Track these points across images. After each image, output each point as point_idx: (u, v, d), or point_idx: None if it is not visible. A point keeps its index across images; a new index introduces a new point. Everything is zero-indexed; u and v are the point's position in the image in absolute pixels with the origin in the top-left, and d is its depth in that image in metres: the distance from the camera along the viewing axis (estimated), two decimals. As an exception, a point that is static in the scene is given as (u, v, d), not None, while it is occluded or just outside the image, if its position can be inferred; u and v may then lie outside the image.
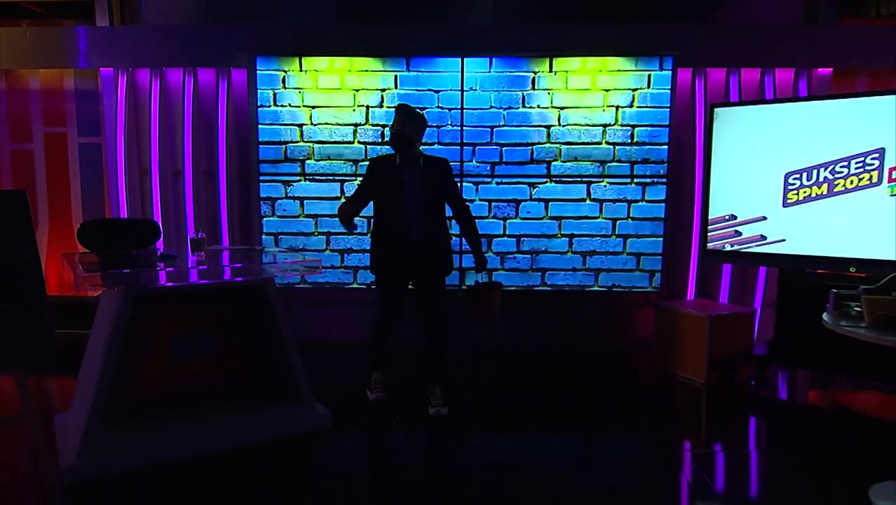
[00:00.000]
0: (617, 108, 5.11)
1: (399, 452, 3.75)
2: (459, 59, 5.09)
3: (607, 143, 5.15)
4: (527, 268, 5.29)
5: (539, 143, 5.17)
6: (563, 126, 5.15)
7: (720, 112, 4.66)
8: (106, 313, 3.19)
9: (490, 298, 3.98)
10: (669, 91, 5.05)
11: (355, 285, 5.27)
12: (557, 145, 5.17)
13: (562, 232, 5.26)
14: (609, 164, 5.16)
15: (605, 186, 5.19)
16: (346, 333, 5.45)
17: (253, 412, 3.47)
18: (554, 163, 5.19)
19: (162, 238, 4.49)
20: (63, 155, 5.72)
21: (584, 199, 5.23)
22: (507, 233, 5.27)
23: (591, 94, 5.13)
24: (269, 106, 5.15)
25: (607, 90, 5.11)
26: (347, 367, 5.02)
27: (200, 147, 5.41)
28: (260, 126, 5.16)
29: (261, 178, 5.21)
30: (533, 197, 5.24)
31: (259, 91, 5.11)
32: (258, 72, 5.09)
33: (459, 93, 5.13)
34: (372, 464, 3.58)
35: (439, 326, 3.94)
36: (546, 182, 5.21)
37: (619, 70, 5.07)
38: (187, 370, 3.48)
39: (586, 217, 5.24)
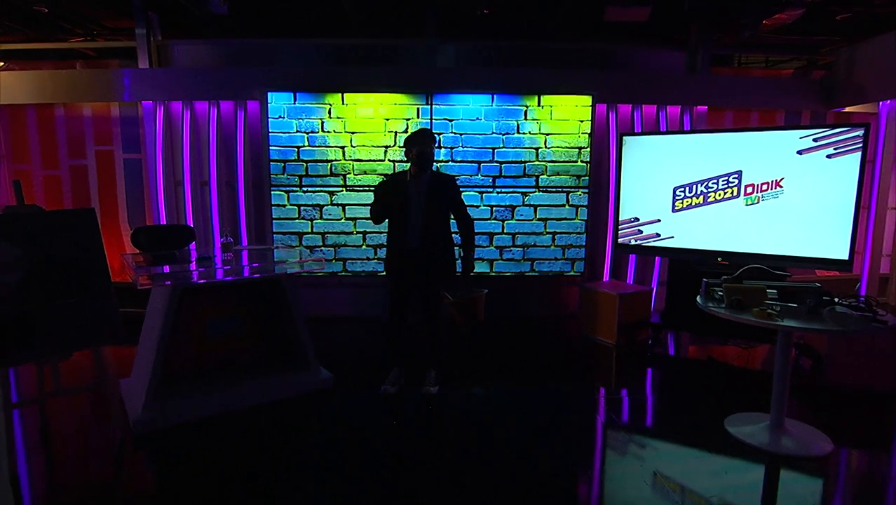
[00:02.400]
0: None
1: (386, 402, 3.67)
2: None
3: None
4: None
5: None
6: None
7: (627, 139, 4.82)
8: (157, 303, 3.28)
9: (473, 309, 3.73)
10: (591, 122, 5.27)
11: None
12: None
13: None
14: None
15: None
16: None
17: (272, 377, 3.54)
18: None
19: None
20: (111, 168, 5.74)
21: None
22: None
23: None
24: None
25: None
26: (365, 336, 5.10)
27: (222, 163, 5.44)
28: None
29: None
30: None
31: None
32: (270, 104, 5.16)
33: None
34: (364, 413, 3.55)
35: (436, 322, 3.76)
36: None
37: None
38: (221, 345, 3.56)
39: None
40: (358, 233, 5.38)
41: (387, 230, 3.75)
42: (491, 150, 5.32)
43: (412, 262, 3.61)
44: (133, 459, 2.96)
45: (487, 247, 5.43)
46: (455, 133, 5.28)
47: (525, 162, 5.35)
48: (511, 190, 5.37)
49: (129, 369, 3.65)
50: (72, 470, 2.84)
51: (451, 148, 5.29)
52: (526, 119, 5.29)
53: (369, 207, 3.76)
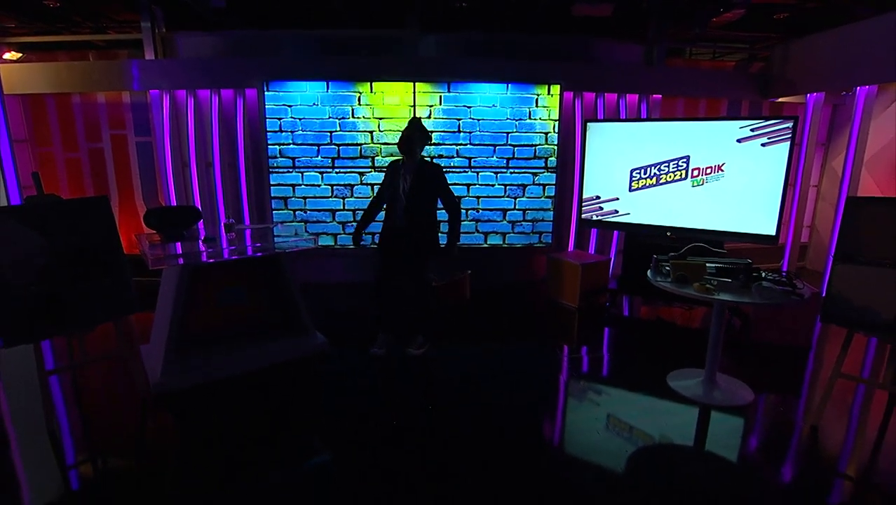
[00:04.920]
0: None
1: (374, 361, 3.70)
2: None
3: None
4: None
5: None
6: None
7: (591, 126, 4.81)
8: (170, 279, 3.26)
9: (459, 289, 3.70)
10: (558, 108, 5.20)
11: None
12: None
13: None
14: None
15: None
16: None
17: (275, 341, 3.52)
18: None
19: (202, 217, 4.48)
20: (125, 150, 5.63)
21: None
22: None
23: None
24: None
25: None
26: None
27: (224, 146, 5.34)
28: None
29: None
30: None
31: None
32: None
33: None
34: (356, 372, 3.60)
35: (422, 292, 3.74)
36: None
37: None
38: (229, 314, 3.52)
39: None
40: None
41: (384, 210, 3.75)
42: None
43: (399, 238, 3.61)
44: (154, 417, 3.01)
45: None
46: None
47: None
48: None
49: (148, 335, 3.65)
50: (100, 427, 2.90)
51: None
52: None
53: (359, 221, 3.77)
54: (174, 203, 5.39)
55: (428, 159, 3.76)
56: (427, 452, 2.64)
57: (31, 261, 2.61)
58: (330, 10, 5.14)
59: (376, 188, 5.13)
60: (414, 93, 5.10)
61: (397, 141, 3.60)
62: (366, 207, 3.84)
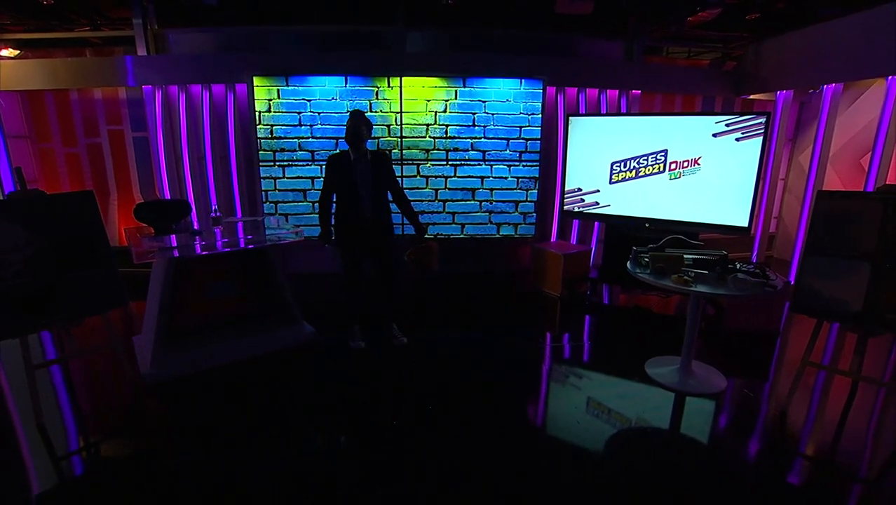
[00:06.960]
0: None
1: (359, 350, 3.55)
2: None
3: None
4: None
5: None
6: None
7: (573, 120, 4.68)
8: (160, 271, 3.14)
9: (428, 258, 3.51)
10: (541, 103, 5.01)
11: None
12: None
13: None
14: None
15: None
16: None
17: (263, 332, 3.43)
18: None
19: (194, 209, 4.28)
20: (122, 145, 5.40)
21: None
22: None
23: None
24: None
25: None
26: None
27: (216, 140, 5.13)
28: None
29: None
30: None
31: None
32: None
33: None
34: (346, 362, 3.44)
35: (392, 282, 3.58)
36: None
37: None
38: (218, 305, 3.42)
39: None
40: None
41: (336, 207, 3.41)
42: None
43: (367, 230, 3.38)
44: (145, 407, 2.87)
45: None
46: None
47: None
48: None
49: (140, 326, 3.51)
50: (91, 418, 2.76)
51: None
52: None
53: (321, 223, 3.41)
54: (168, 197, 5.20)
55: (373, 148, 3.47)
56: (419, 437, 2.54)
57: (17, 255, 2.44)
58: (319, 5, 4.94)
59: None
60: (401, 87, 4.89)
61: (345, 134, 3.30)
62: (320, 206, 3.43)
